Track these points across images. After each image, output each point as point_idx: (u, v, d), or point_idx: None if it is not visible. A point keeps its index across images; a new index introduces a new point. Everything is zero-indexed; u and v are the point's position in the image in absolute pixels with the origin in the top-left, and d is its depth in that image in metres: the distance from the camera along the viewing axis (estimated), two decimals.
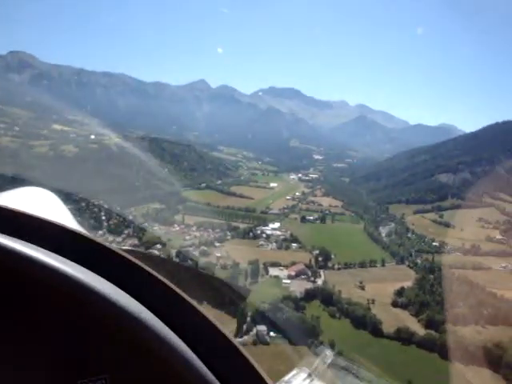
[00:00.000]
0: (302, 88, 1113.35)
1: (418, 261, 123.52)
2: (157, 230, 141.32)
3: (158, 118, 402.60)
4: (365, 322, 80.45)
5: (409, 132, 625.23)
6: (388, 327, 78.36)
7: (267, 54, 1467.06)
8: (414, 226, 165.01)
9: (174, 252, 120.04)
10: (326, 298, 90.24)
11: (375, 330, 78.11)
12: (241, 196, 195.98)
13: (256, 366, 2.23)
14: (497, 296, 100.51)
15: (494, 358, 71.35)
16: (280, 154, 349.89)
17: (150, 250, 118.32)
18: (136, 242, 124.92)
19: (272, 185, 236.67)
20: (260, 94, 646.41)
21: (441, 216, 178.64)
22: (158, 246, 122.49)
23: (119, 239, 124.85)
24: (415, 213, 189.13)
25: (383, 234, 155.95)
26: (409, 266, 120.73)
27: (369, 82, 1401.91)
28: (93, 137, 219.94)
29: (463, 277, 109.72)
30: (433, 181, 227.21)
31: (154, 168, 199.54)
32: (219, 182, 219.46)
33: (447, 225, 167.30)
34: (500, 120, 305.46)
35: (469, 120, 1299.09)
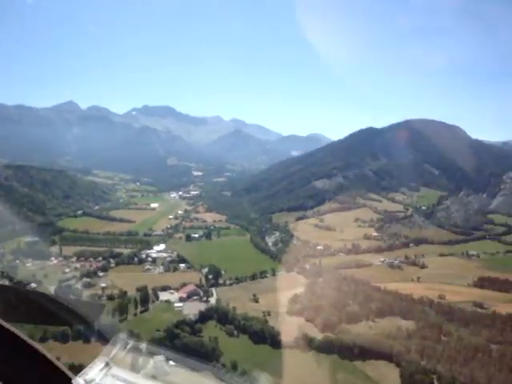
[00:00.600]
0: (177, 105, 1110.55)
1: (307, 266, 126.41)
2: (30, 266, 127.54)
3: (24, 143, 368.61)
4: (263, 336, 79.17)
5: (282, 143, 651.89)
6: (286, 336, 77.97)
7: (139, 72, 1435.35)
8: (298, 233, 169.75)
9: (52, 288, 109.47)
10: (222, 316, 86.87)
11: (274, 342, 77.23)
12: (121, 220, 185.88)
13: (55, 361, 2.75)
14: (380, 289, 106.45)
15: (386, 350, 74.92)
16: (158, 174, 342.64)
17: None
18: (7, 283, 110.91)
19: (153, 205, 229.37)
20: (134, 113, 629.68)
21: (321, 220, 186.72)
22: (33, 284, 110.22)
23: None
24: (297, 219, 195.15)
25: (270, 244, 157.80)
26: (298, 272, 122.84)
27: (242, 97, 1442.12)
28: None
29: (349, 276, 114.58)
30: (310, 187, 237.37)
31: (23, 198, 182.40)
32: (97, 207, 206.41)
33: (328, 228, 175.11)
34: (363, 127, 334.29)
35: (334, 129, 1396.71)
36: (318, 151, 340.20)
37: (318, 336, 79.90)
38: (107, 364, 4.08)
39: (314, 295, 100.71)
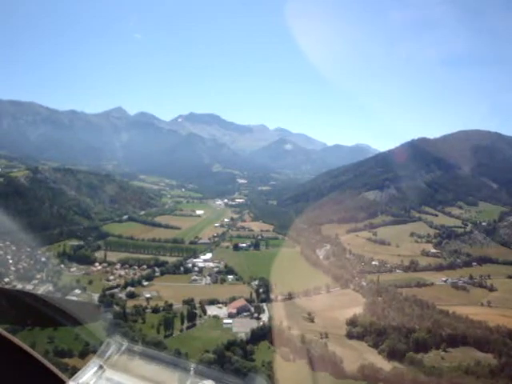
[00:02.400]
0: (222, 113, 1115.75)
1: (363, 283, 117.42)
2: (75, 271, 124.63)
3: (73, 147, 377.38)
4: (323, 362, 71.15)
5: (327, 152, 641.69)
6: (349, 364, 69.75)
7: (186, 79, 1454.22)
8: (351, 246, 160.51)
9: (96, 296, 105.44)
10: (276, 337, 79.72)
11: (336, 370, 69.04)
12: (166, 226, 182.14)
13: (48, 364, 2.83)
14: (449, 314, 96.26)
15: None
16: (203, 180, 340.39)
17: (69, 297, 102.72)
18: (51, 287, 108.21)
19: (198, 212, 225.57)
20: (180, 120, 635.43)
21: (374, 234, 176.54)
22: (77, 290, 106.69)
23: (30, 286, 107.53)
24: (348, 232, 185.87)
25: (321, 257, 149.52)
26: (354, 289, 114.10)
27: (287, 106, 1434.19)
28: None
29: (411, 296, 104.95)
30: (360, 198, 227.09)
31: (70, 201, 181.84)
32: (142, 212, 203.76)
33: (382, 242, 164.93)
34: (415, 137, 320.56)
35: (380, 140, 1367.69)
36: (367, 161, 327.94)
37: (385, 366, 71.17)
38: (101, 367, 4.03)
39: (375, 317, 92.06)
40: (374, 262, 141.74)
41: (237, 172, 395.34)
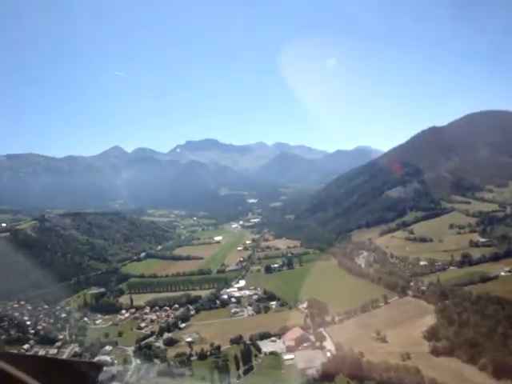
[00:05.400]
0: (219, 137, 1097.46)
1: (423, 287, 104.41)
2: (101, 323, 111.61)
3: (77, 192, 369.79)
4: None
5: (330, 159, 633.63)
6: None
7: (179, 109, 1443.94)
8: (390, 249, 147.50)
9: (130, 350, 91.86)
10: (352, 368, 66.50)
11: None
12: (188, 258, 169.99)
13: None
14: None
15: None
16: (213, 206, 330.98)
17: (100, 358, 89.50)
18: (77, 348, 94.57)
19: (217, 238, 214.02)
20: (178, 150, 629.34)
21: (410, 232, 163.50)
22: (108, 347, 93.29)
23: (53, 350, 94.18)
24: (381, 234, 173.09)
25: (363, 265, 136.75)
26: (415, 296, 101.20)
27: (282, 120, 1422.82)
28: (4, 224, 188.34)
29: (483, 293, 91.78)
30: (384, 198, 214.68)
31: (83, 246, 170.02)
32: (159, 247, 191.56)
33: (423, 239, 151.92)
34: (425, 127, 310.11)
35: (381, 140, 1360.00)
36: (379, 159, 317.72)
37: None
38: None
39: (455, 325, 78.99)
40: (422, 263, 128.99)
41: (245, 192, 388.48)
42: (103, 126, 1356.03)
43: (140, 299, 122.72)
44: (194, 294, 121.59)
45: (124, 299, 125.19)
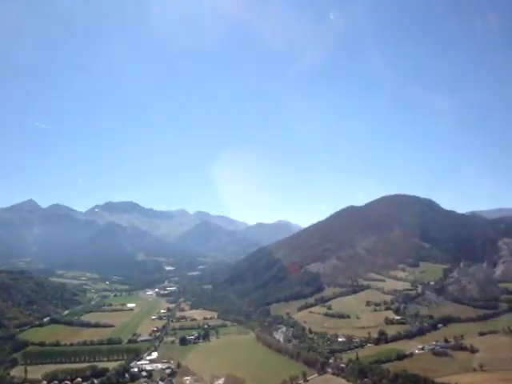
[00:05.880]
0: (140, 201, 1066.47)
1: (342, 364, 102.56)
2: None
3: None
4: None
5: (250, 231, 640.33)
6: None
7: (101, 168, 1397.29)
8: (309, 324, 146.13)
9: None
10: None
11: None
12: (97, 325, 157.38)
13: None
14: None
15: None
16: (128, 271, 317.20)
17: None
18: None
19: (130, 305, 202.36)
20: (97, 210, 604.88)
21: (329, 307, 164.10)
22: None
23: None
24: (300, 309, 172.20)
25: (281, 340, 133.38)
26: (334, 373, 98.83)
27: (205, 189, 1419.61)
28: None
29: (400, 371, 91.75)
30: (303, 272, 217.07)
31: None
32: (66, 312, 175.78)
33: (341, 315, 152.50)
34: (344, 206, 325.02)
35: (300, 215, 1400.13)
36: (299, 234, 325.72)
37: None
38: None
39: None
40: (340, 339, 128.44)
41: (162, 259, 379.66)
42: (17, 178, 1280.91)
43: (37, 371, 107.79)
44: (101, 365, 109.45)
45: (17, 371, 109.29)
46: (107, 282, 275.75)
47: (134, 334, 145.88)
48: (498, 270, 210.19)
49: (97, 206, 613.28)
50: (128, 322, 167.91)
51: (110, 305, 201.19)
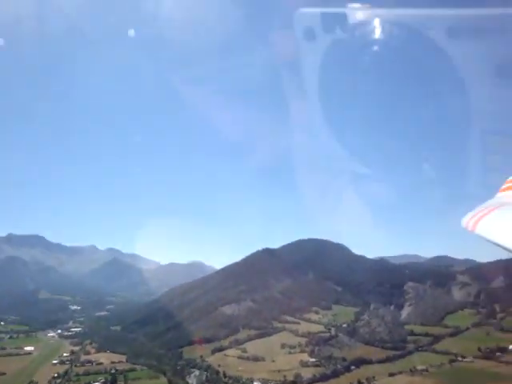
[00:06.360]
0: (47, 234, 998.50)
1: None
2: None
3: None
4: None
5: (162, 271, 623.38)
6: None
7: (3, 197, 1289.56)
8: (223, 368, 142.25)
9: None
10: None
11: None
12: None
13: None
14: None
15: None
16: (28, 310, 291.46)
17: None
18: None
19: (27, 348, 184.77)
20: None
21: (244, 350, 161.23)
22: None
23: None
24: (214, 352, 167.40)
25: None
26: None
27: (116, 225, 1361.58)
28: None
29: None
30: (218, 314, 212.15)
31: None
32: None
33: (256, 358, 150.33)
34: (260, 248, 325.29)
35: (213, 256, 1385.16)
36: (213, 276, 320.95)
37: None
38: None
39: None
40: (255, 383, 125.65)
41: (68, 298, 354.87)
42: None
43: None
44: None
45: None
46: (2, 323, 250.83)
47: (31, 382, 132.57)
48: (405, 313, 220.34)
49: None
50: (24, 367, 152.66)
51: (4, 348, 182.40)
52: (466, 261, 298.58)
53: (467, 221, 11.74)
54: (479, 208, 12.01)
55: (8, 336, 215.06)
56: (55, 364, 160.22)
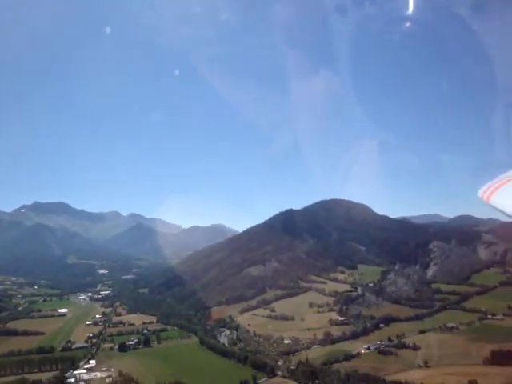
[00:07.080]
0: (71, 201, 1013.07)
1: (292, 366, 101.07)
2: None
3: None
4: None
5: (185, 234, 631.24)
6: None
7: (28, 166, 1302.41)
8: (253, 327, 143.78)
9: None
10: None
11: None
12: (26, 333, 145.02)
13: None
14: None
15: None
16: (58, 274, 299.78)
17: None
18: None
19: (61, 311, 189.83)
20: (23, 210, 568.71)
21: (272, 310, 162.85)
22: None
23: None
24: (242, 312, 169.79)
25: (226, 344, 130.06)
26: (284, 376, 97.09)
27: (139, 191, 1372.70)
28: None
29: (351, 371, 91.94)
30: (244, 275, 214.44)
31: None
32: None
33: (285, 317, 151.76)
34: (283, 209, 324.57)
35: (235, 219, 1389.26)
36: (237, 237, 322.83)
37: None
38: None
39: None
40: (286, 341, 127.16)
41: (95, 262, 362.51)
42: None
43: None
44: (31, 377, 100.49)
45: None
46: (35, 287, 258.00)
47: (68, 342, 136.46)
48: (430, 272, 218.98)
49: (24, 207, 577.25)
50: (61, 328, 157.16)
51: (40, 311, 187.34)
52: (490, 220, 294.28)
53: (483, 192, 12.40)
54: (495, 180, 12.56)
55: (42, 299, 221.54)
56: (89, 325, 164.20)
